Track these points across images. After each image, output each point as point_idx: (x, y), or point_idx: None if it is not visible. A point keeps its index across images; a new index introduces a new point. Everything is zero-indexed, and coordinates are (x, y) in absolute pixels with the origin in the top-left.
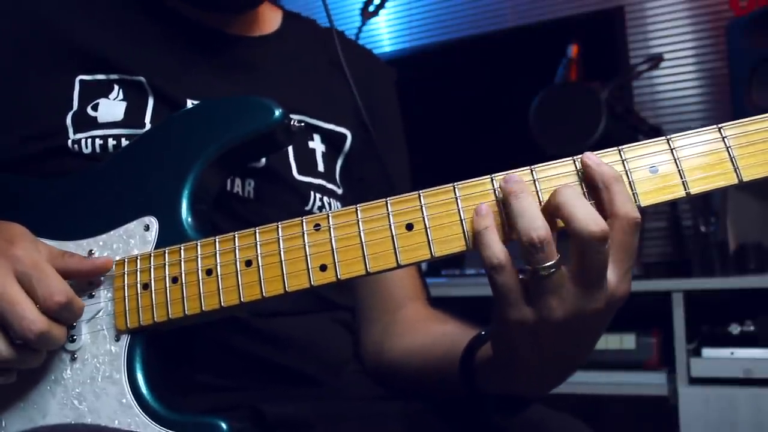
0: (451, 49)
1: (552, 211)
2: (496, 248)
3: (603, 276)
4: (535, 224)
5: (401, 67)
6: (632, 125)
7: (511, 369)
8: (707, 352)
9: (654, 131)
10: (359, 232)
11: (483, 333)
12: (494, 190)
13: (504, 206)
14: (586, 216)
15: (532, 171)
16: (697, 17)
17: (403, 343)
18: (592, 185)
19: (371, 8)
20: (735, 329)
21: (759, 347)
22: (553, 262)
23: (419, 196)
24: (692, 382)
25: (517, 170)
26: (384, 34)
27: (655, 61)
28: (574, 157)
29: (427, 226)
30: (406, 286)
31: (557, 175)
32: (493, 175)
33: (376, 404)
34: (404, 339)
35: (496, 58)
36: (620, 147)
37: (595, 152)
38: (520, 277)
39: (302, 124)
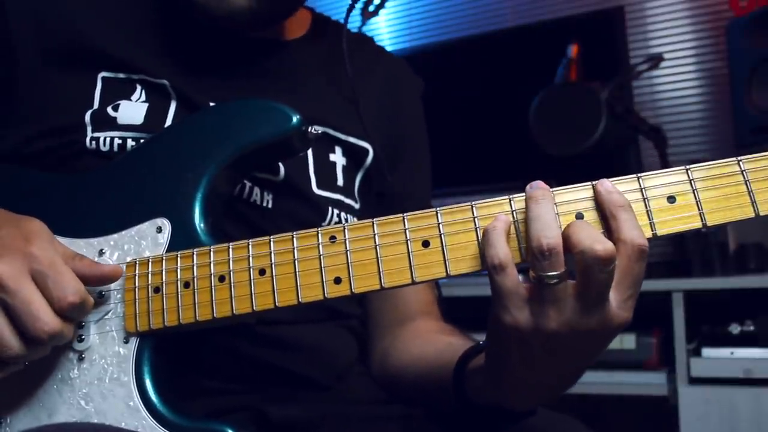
0: (451, 49)
1: (564, 238)
2: (499, 248)
3: (604, 297)
4: (547, 231)
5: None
6: (632, 125)
7: (500, 378)
8: (707, 352)
9: (654, 131)
10: (375, 246)
11: (480, 343)
12: (513, 212)
13: (524, 211)
14: (591, 237)
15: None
16: (697, 17)
17: (407, 352)
18: (602, 212)
19: (371, 8)
20: (735, 329)
21: (759, 347)
22: (559, 272)
23: (437, 213)
24: (692, 382)
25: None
26: (384, 34)
27: (655, 61)
28: (593, 183)
29: (444, 245)
30: (420, 300)
31: (575, 200)
32: (511, 196)
33: (380, 407)
34: (409, 348)
35: (496, 58)
36: (639, 174)
37: (615, 178)
38: (523, 282)
39: (319, 131)
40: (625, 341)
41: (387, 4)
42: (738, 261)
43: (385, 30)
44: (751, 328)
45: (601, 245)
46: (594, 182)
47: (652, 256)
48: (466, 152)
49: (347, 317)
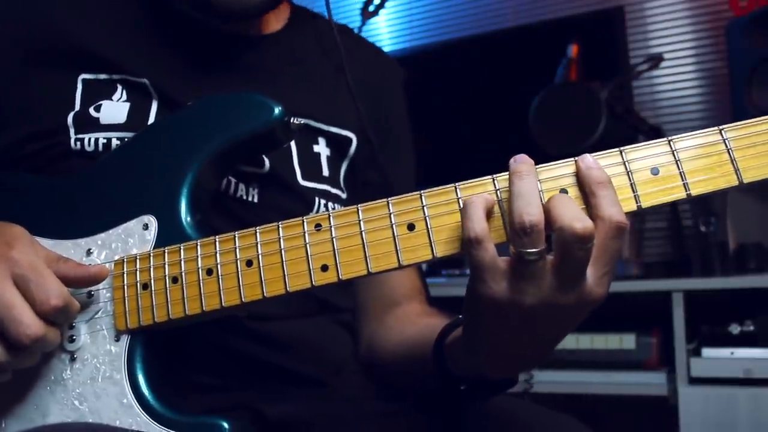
0: (452, 49)
1: (545, 212)
2: (476, 221)
3: (582, 273)
4: (530, 208)
5: (401, 67)
6: (632, 125)
7: (478, 347)
8: (707, 352)
9: (654, 131)
10: (360, 232)
11: (459, 318)
12: (496, 191)
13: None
14: (572, 215)
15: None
16: (697, 17)
17: (392, 337)
18: (582, 189)
19: (371, 8)
20: (735, 329)
21: (759, 347)
22: (539, 249)
23: (421, 196)
24: (692, 382)
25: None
26: (384, 34)
27: (655, 61)
28: (576, 158)
29: (429, 227)
30: (405, 284)
31: (559, 176)
32: (494, 176)
33: (376, 404)
34: (394, 333)
35: (496, 58)
36: (622, 148)
37: (597, 153)
38: (501, 257)
39: (301, 122)
40: (625, 341)
41: (387, 4)
42: (738, 261)
43: (385, 30)
44: (751, 328)
45: (581, 223)
46: (576, 158)
47: (651, 256)
48: (466, 152)
49: (340, 311)
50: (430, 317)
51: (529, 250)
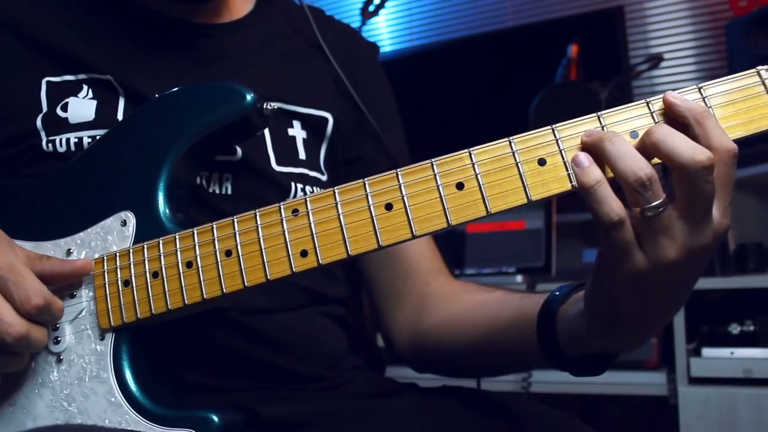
0: (452, 48)
1: (649, 150)
2: (613, 203)
3: (710, 209)
4: (640, 164)
5: (401, 67)
6: None
7: (613, 325)
8: (707, 352)
9: None
10: (338, 215)
11: (557, 292)
12: (473, 165)
13: (597, 154)
14: (691, 147)
15: (553, 130)
16: (697, 17)
17: (442, 314)
18: (681, 123)
19: (371, 8)
20: (735, 329)
21: (759, 347)
22: (661, 200)
23: (397, 175)
24: (692, 382)
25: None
26: (384, 34)
27: (655, 61)
28: (661, 96)
29: (407, 205)
30: (431, 259)
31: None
32: (471, 149)
33: (374, 402)
34: (442, 310)
35: (496, 58)
36: (599, 113)
37: (573, 120)
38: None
39: (276, 107)
40: None
41: (387, 4)
42: (738, 261)
43: (385, 30)
44: (751, 328)
45: (703, 154)
46: (652, 99)
47: None
48: None
49: (330, 302)
50: (481, 293)
51: (653, 204)
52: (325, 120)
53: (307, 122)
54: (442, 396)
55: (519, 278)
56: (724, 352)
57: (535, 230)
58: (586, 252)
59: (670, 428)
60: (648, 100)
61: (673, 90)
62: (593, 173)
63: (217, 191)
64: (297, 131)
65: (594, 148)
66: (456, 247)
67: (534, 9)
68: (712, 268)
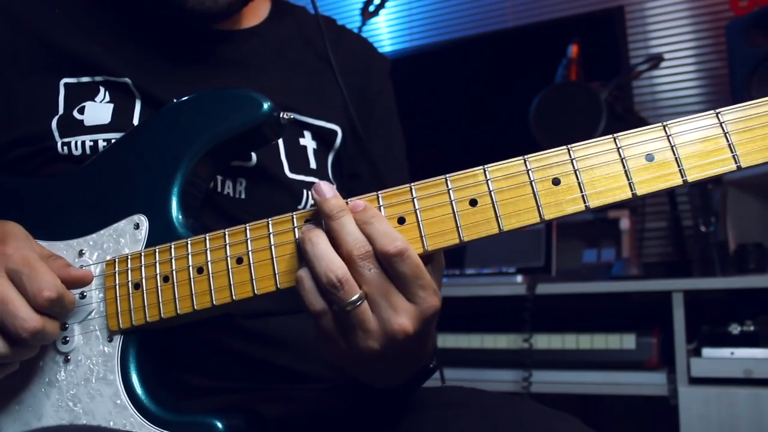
0: (452, 49)
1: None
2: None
3: (394, 300)
4: (332, 266)
5: (401, 67)
6: (632, 125)
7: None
8: (707, 352)
9: None
10: None
11: None
12: (487, 181)
13: (300, 251)
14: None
15: (569, 150)
16: (697, 17)
17: None
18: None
19: (371, 8)
20: (735, 329)
21: (759, 347)
22: (353, 297)
23: (411, 189)
24: (692, 382)
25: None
26: (384, 34)
27: (655, 61)
28: (617, 135)
29: (420, 220)
30: None
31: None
32: (485, 166)
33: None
34: None
35: (496, 58)
36: (615, 135)
37: (589, 141)
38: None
39: (292, 117)
40: (625, 341)
41: (387, 4)
42: (738, 261)
43: (385, 30)
44: (751, 328)
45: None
46: (668, 122)
47: (651, 256)
48: (466, 152)
49: None
50: None
51: (347, 301)
52: (335, 133)
53: (318, 133)
54: (442, 396)
55: (519, 278)
56: (725, 352)
57: (535, 230)
58: (586, 252)
59: (670, 428)
60: (664, 123)
61: (674, 90)
62: (302, 268)
63: (231, 195)
64: (308, 141)
65: (300, 247)
66: (456, 246)
67: (534, 9)
68: (712, 268)
